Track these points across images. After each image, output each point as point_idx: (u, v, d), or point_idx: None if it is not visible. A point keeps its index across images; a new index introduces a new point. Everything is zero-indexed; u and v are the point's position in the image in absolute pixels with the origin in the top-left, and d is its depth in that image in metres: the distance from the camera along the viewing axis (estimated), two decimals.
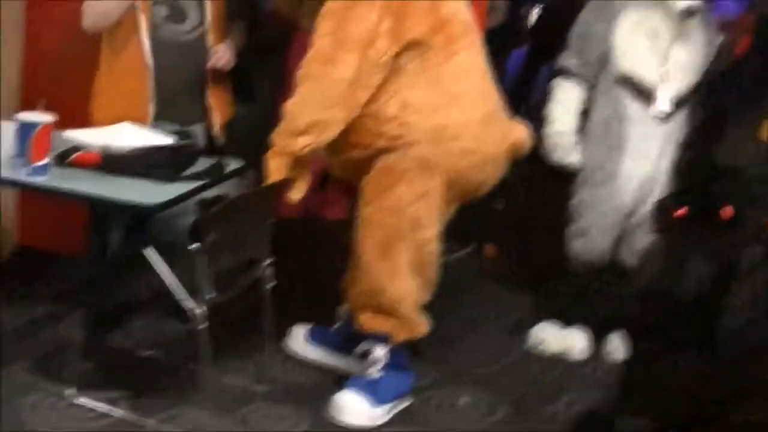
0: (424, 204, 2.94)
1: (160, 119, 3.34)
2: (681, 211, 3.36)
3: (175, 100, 3.37)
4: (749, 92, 3.39)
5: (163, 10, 3.33)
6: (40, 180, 2.84)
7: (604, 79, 3.46)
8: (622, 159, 3.48)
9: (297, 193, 3.02)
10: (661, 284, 3.42)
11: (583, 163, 3.54)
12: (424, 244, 3.00)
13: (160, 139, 3.12)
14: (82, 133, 3.06)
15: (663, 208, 3.45)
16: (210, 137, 3.45)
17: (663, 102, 3.43)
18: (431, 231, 3.00)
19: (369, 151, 2.95)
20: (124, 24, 3.30)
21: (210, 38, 3.38)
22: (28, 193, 3.65)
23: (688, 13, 3.39)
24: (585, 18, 3.45)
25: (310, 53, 2.87)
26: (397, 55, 2.87)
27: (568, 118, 3.49)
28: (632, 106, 3.45)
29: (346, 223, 3.27)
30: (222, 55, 3.38)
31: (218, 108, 3.48)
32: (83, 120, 3.35)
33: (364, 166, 2.98)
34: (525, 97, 8.45)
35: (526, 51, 8.99)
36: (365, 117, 2.90)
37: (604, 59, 3.42)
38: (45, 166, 2.83)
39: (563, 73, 3.48)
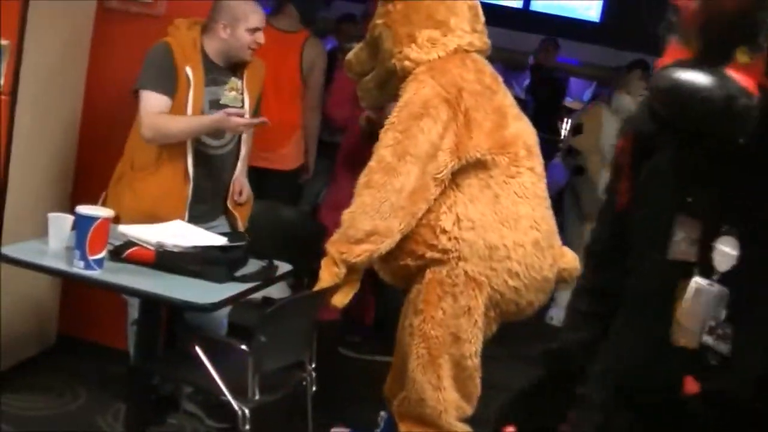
0: (466, 320, 2.93)
1: (190, 218, 3.47)
2: None
3: (204, 201, 3.56)
4: None
5: None
6: (95, 273, 2.88)
7: None
8: None
9: (343, 299, 2.99)
10: None
11: None
12: (463, 359, 2.99)
13: (213, 238, 3.19)
14: (136, 228, 3.13)
15: None
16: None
17: None
18: (471, 347, 2.98)
19: (420, 261, 2.96)
20: None
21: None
22: (70, 282, 3.72)
23: None
24: None
25: (372, 162, 2.91)
26: (458, 170, 2.91)
27: None
28: None
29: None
30: (242, 190, 3.70)
31: (241, 207, 3.71)
32: None
33: (414, 274, 2.99)
34: None
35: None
36: (420, 227, 2.92)
37: None
38: (101, 260, 2.89)
39: None
